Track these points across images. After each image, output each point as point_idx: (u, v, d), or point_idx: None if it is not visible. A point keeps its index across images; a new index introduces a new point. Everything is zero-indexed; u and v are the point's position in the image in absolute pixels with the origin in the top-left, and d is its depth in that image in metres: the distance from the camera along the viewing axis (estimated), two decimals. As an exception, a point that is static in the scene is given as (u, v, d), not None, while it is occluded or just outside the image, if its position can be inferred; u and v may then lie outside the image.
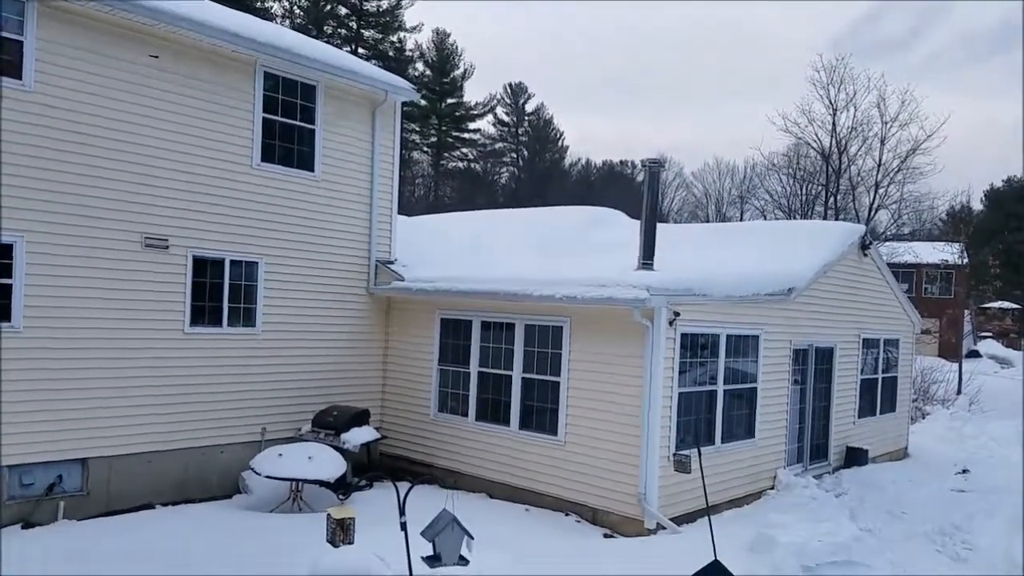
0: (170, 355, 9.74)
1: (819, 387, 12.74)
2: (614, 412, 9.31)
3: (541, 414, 10.22)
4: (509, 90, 64.20)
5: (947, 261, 33.72)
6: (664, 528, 8.93)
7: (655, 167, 11.12)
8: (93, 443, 9.04)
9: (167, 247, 9.67)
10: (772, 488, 11.16)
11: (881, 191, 35.13)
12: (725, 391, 10.21)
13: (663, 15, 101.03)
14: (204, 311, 10.12)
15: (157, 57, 9.47)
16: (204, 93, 9.95)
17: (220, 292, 10.27)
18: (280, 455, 9.47)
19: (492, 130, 63.38)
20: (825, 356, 12.79)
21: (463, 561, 5.65)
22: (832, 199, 37.02)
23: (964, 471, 14.06)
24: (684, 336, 9.34)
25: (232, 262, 10.38)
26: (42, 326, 8.61)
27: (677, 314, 9.05)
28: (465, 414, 11.15)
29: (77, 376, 8.90)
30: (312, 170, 11.26)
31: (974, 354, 34.73)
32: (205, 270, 10.10)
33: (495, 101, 62.88)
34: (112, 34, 9.08)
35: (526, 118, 64.67)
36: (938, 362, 25.70)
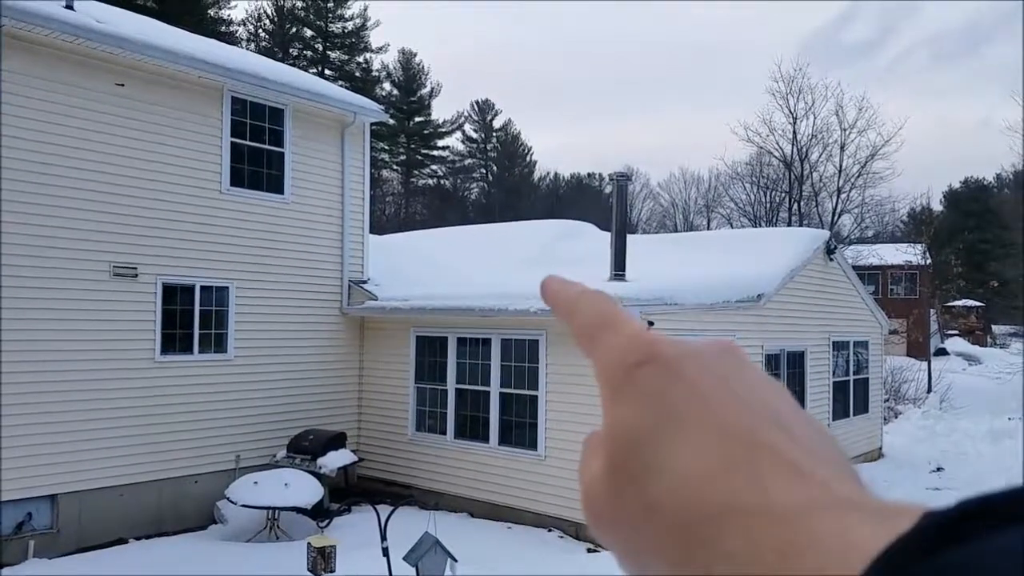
0: (141, 385, 9.56)
1: (792, 391, 12.80)
2: (593, 424, 9.24)
3: (520, 429, 10.21)
4: (476, 107, 64.53)
5: (911, 262, 34.51)
6: (647, 538, 8.93)
7: (623, 180, 11.25)
8: (63, 478, 8.82)
9: (136, 275, 9.52)
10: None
11: (843, 196, 35.91)
12: (701, 399, 10.28)
13: (628, 27, 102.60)
14: (175, 339, 9.97)
15: (123, 85, 9.37)
16: (171, 119, 9.86)
17: (191, 319, 10.13)
18: (256, 483, 9.32)
19: (461, 147, 63.62)
20: (796, 360, 12.98)
21: (447, 582, 5.61)
22: (796, 205, 37.75)
23: (938, 469, 14.30)
24: (659, 346, 9.40)
25: (202, 288, 10.25)
26: (8, 360, 8.41)
27: (651, 323, 9.13)
28: (444, 432, 11.09)
29: (45, 410, 8.70)
30: (282, 193, 11.19)
31: (942, 352, 35.48)
32: (175, 297, 9.96)
33: (463, 118, 63.15)
34: (78, 63, 8.97)
35: (494, 134, 65.02)
36: (907, 361, 26.18)
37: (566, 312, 0.38)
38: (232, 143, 10.54)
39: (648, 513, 0.29)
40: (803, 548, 0.25)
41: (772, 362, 12.25)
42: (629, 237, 11.27)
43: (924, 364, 26.31)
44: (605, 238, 12.15)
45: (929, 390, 24.96)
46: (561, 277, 0.40)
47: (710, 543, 0.27)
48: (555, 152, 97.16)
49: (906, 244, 36.41)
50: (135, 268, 9.51)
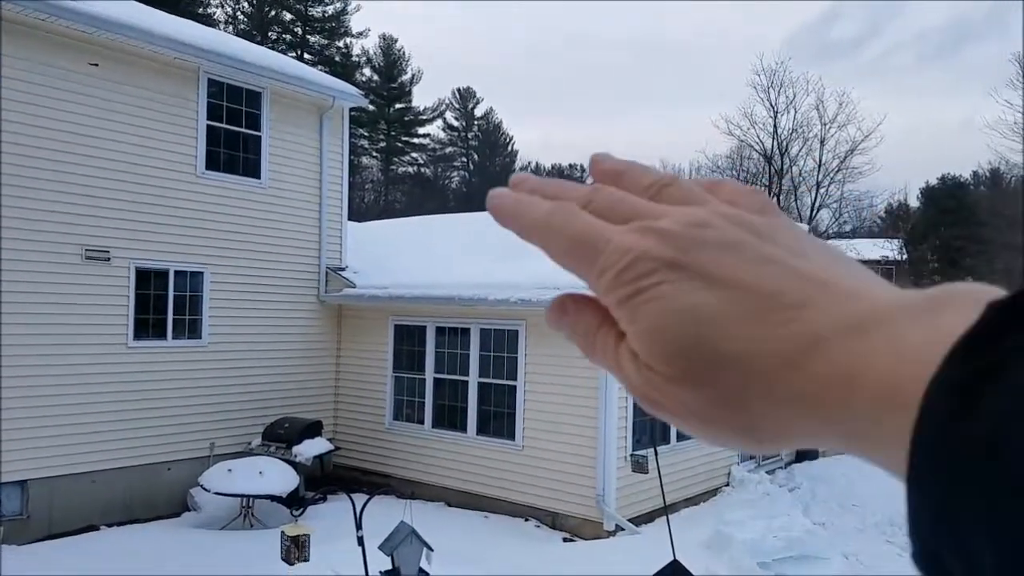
0: (113, 370, 9.40)
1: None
2: (570, 414, 9.34)
3: (498, 419, 10.19)
4: (458, 95, 64.14)
5: (888, 257, 35.00)
6: (623, 529, 8.98)
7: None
8: (33, 464, 8.67)
9: (108, 259, 9.34)
10: (727, 485, 11.34)
11: (822, 191, 36.29)
12: (679, 390, 10.34)
13: (610, 18, 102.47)
14: (148, 324, 9.81)
15: (97, 65, 9.16)
16: (146, 101, 9.66)
17: (164, 304, 9.97)
18: (230, 470, 9.23)
19: (442, 135, 63.25)
20: (774, 353, 13.07)
21: (423, 573, 5.58)
22: (775, 199, 38.05)
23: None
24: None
25: (176, 273, 10.08)
26: (-27, 344, 8.22)
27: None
28: (421, 421, 11.04)
29: (14, 394, 8.52)
30: (258, 177, 11.02)
31: (915, 346, 35.95)
32: (149, 282, 9.79)
33: (444, 106, 62.74)
34: (50, 42, 8.74)
35: (476, 123, 64.70)
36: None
37: (538, 238, 0.36)
38: (208, 126, 10.35)
39: (719, 366, 0.29)
40: (865, 370, 0.26)
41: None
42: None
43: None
44: (586, 229, 12.11)
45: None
46: (510, 192, 0.39)
47: (772, 388, 0.28)
48: (536, 142, 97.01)
49: (883, 239, 36.91)
50: (107, 252, 9.33)
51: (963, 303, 0.26)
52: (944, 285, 0.28)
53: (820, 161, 36.37)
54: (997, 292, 0.26)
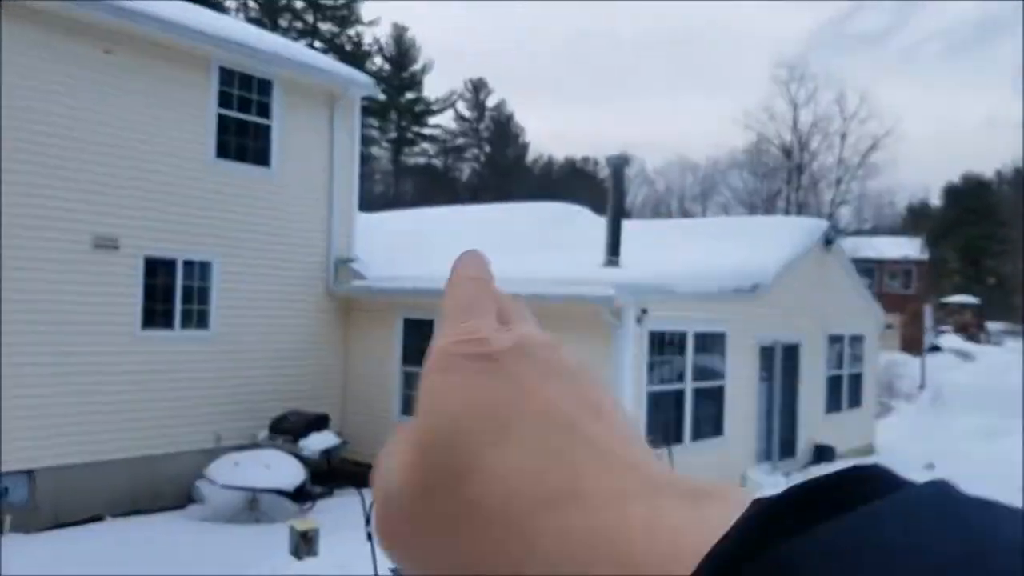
0: (120, 360, 9.32)
1: (786, 384, 12.75)
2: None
3: (508, 416, 10.02)
4: (470, 85, 63.82)
5: (908, 256, 34.44)
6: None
7: (620, 162, 11.00)
8: (40, 453, 8.63)
9: (117, 248, 9.25)
10: (742, 486, 11.12)
11: (842, 187, 35.75)
12: (694, 389, 10.12)
13: (628, 9, 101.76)
14: (156, 314, 9.72)
15: (110, 52, 9.06)
16: (158, 88, 9.56)
17: (172, 294, 9.87)
18: (236, 463, 9.14)
19: (453, 125, 62.99)
20: (791, 352, 12.81)
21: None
22: (794, 195, 37.55)
23: (930, 465, 14.21)
24: (652, 334, 9.21)
25: (185, 262, 9.98)
26: (-21, 332, 8.16)
27: (645, 311, 8.92)
28: (430, 417, 10.90)
29: (22, 383, 8.47)
30: (268, 166, 10.89)
31: (936, 348, 35.49)
32: (157, 271, 9.71)
33: (455, 96, 62.46)
34: (65, 28, 8.67)
35: (487, 114, 64.36)
36: (901, 357, 26.15)
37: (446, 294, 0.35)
38: (219, 114, 10.23)
39: (463, 516, 0.28)
40: (613, 535, 0.25)
41: (767, 354, 12.08)
42: (624, 222, 11.03)
43: (918, 360, 26.28)
44: (599, 223, 11.90)
45: (922, 386, 24.93)
46: (474, 262, 0.36)
47: (524, 539, 0.26)
48: (549, 135, 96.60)
49: (904, 237, 36.32)
50: (116, 240, 9.24)
51: (722, 498, 0.24)
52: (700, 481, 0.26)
53: (840, 157, 35.84)
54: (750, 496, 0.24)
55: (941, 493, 0.21)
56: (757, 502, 0.22)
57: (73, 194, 8.85)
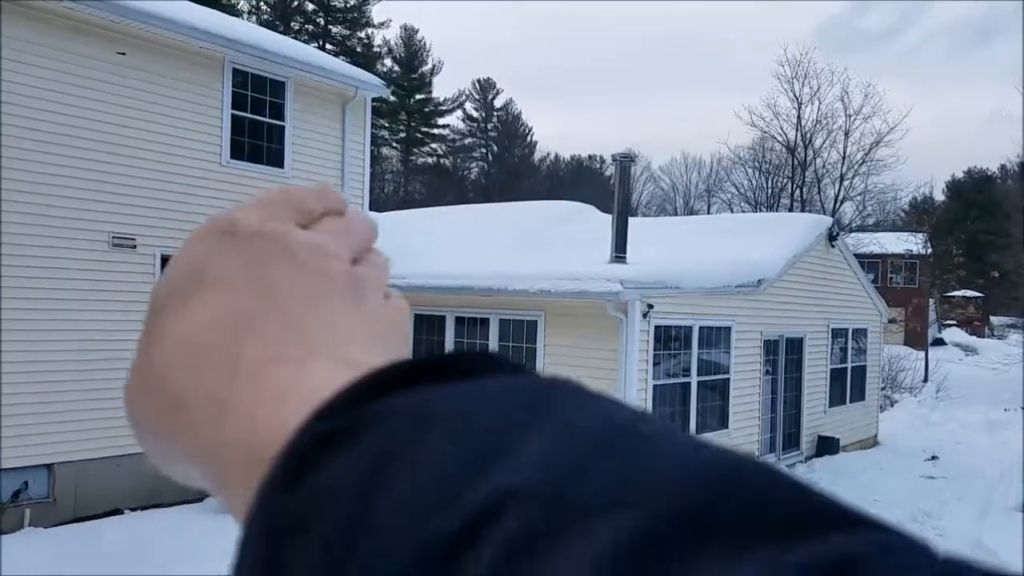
0: (138, 357, 9.52)
1: (790, 377, 12.92)
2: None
3: (517, 409, 10.20)
4: (478, 86, 64.01)
5: (911, 251, 34.48)
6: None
7: (626, 161, 11.17)
8: (60, 447, 8.82)
9: (135, 246, 9.45)
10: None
11: (846, 183, 35.79)
12: (699, 382, 10.29)
13: (635, 8, 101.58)
14: (172, 311, 9.92)
15: (124, 54, 9.25)
16: (172, 90, 9.75)
17: (189, 292, 10.07)
18: (254, 456, 9.33)
19: (461, 125, 63.19)
20: (795, 346, 12.97)
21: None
22: (798, 191, 37.61)
23: (933, 458, 14.35)
24: (658, 328, 9.39)
25: (200, 261, 10.18)
26: (6, 328, 8.38)
27: (651, 306, 9.10)
28: (441, 411, 11.09)
29: (43, 379, 8.67)
30: (282, 167, 11.10)
31: (939, 342, 35.54)
32: (173, 270, 9.90)
33: (464, 97, 62.67)
34: (79, 31, 8.85)
35: (495, 113, 64.54)
36: (905, 350, 26.22)
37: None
38: (233, 115, 10.43)
39: (147, 374, 0.30)
40: (248, 392, 0.26)
41: (771, 348, 12.25)
42: (630, 220, 11.21)
43: (921, 353, 26.37)
44: (606, 220, 12.08)
45: (926, 379, 25.03)
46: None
47: (180, 404, 0.27)
48: (556, 134, 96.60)
49: (907, 233, 36.35)
50: (134, 239, 9.44)
51: (336, 363, 0.26)
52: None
53: (844, 153, 35.88)
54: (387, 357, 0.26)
55: (532, 385, 0.24)
56: (379, 371, 0.25)
57: (90, 194, 9.04)
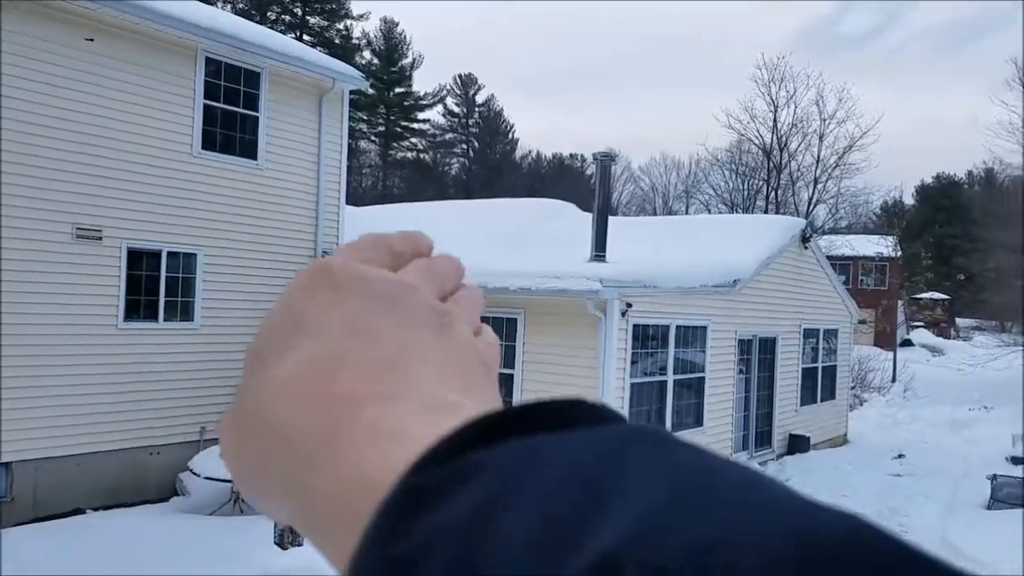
0: (102, 351, 9.29)
1: (763, 376, 13.01)
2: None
3: (492, 408, 10.14)
4: (459, 81, 63.70)
5: (882, 254, 35.02)
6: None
7: (606, 160, 11.13)
8: (18, 445, 8.56)
9: (100, 238, 9.20)
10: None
11: (819, 186, 36.23)
12: (675, 381, 10.31)
13: (617, 9, 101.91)
14: (139, 305, 9.69)
15: (92, 40, 8.98)
16: (142, 78, 9.50)
17: (156, 285, 9.84)
18: (220, 455, 9.14)
19: (442, 120, 62.86)
20: (768, 346, 13.07)
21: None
22: (773, 194, 38.01)
23: (900, 456, 14.56)
24: (636, 327, 9.38)
25: (169, 254, 9.95)
26: (-39, 322, 8.10)
27: (629, 305, 9.08)
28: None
29: (1, 375, 8.40)
30: (255, 158, 10.88)
31: (907, 343, 36.15)
32: (141, 262, 9.66)
33: (445, 91, 62.33)
34: (44, 15, 8.57)
35: (476, 109, 64.30)
36: (874, 351, 26.63)
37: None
38: (205, 105, 10.19)
39: (244, 418, 0.31)
40: (336, 433, 0.27)
41: (745, 347, 12.31)
42: (610, 219, 11.19)
43: (890, 354, 26.79)
44: (586, 219, 12.05)
45: (894, 380, 25.44)
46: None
47: (282, 441, 0.29)
48: (537, 131, 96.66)
49: (878, 236, 36.92)
50: (99, 231, 9.19)
51: (466, 414, 0.26)
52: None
53: (818, 157, 36.32)
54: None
55: (629, 435, 0.24)
56: (481, 418, 0.25)
57: (55, 184, 8.78)
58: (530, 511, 0.21)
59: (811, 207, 35.97)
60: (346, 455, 0.27)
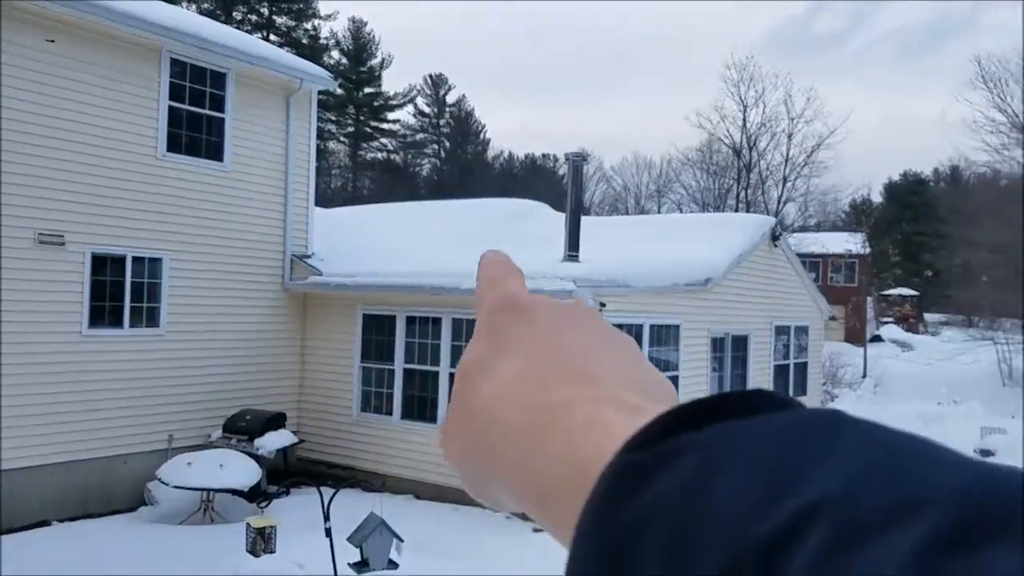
0: (67, 359, 9.06)
1: (736, 373, 13.11)
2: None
3: (467, 410, 10.07)
4: (430, 81, 63.45)
5: (851, 251, 35.57)
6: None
7: (578, 160, 11.13)
8: (-21, 458, 8.31)
9: (63, 244, 8.98)
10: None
11: (789, 185, 36.73)
12: (649, 381, 10.34)
13: (588, 8, 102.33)
14: (104, 311, 9.47)
15: (53, 41, 8.77)
16: (105, 80, 9.29)
17: (121, 291, 9.63)
18: (189, 463, 8.97)
19: (412, 121, 62.54)
20: (741, 343, 13.17)
21: (392, 565, 5.47)
22: (743, 193, 38.44)
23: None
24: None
25: (134, 259, 9.75)
26: (-84, 332, 7.84)
27: (603, 305, 9.07)
28: (390, 413, 10.87)
29: (-41, 385, 8.16)
30: (221, 160, 10.70)
31: (877, 339, 36.74)
32: (105, 268, 9.45)
33: (415, 91, 62.02)
34: (4, 16, 8.32)
35: (447, 110, 64.07)
36: (845, 347, 27.02)
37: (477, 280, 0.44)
38: (170, 106, 10.00)
39: (468, 420, 0.37)
40: (556, 426, 0.32)
41: (717, 345, 12.39)
42: (583, 219, 11.19)
43: (860, 350, 27.22)
44: (559, 219, 12.03)
45: (864, 375, 25.85)
46: (497, 254, 0.45)
47: (496, 431, 0.35)
48: (509, 132, 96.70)
49: (847, 233, 37.50)
50: (62, 236, 8.97)
51: (654, 412, 0.30)
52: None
53: (787, 156, 36.82)
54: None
55: (819, 416, 0.27)
56: (678, 408, 0.29)
57: (16, 188, 8.55)
58: (734, 479, 0.24)
59: (781, 205, 36.45)
60: (565, 443, 0.31)
